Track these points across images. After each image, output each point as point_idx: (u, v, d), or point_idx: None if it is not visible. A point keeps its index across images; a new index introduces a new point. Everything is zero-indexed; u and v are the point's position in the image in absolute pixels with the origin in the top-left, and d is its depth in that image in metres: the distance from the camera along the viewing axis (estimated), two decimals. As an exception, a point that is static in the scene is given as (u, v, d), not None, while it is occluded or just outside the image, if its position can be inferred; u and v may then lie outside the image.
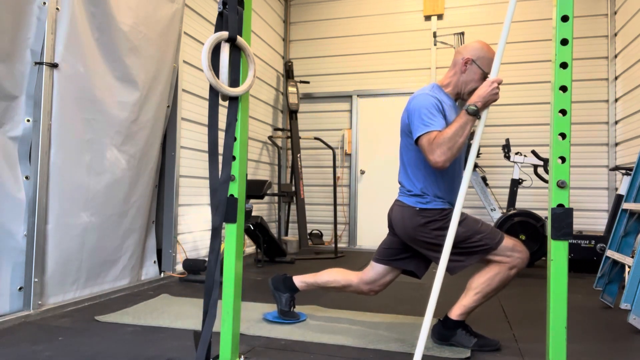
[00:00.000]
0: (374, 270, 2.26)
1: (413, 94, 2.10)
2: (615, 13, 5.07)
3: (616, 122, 5.03)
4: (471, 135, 2.13)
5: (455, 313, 2.07)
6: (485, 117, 1.74)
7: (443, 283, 1.63)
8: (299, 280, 2.44)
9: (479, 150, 4.71)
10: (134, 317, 2.48)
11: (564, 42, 1.42)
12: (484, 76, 2.07)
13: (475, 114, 1.85)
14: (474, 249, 2.00)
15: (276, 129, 5.93)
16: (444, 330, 2.09)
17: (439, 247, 1.96)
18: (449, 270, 2.01)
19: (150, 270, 3.49)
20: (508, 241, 2.00)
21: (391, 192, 5.74)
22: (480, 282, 2.01)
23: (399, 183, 2.18)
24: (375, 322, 2.48)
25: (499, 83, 1.87)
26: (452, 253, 1.95)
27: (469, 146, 2.22)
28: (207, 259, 2.55)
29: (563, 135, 1.41)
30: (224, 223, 1.61)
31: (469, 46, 2.11)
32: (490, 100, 1.86)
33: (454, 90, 2.12)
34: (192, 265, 3.58)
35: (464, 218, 2.03)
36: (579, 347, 2.14)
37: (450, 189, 2.08)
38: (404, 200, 2.11)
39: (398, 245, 2.20)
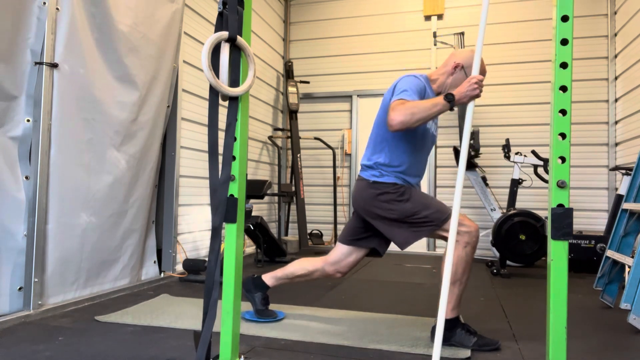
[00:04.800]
0: (339, 250, 2.35)
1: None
2: (615, 13, 5.07)
3: (616, 122, 5.03)
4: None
5: (446, 312, 2.08)
6: (472, 115, 1.73)
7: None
8: (268, 277, 2.50)
9: (478, 150, 4.73)
10: (134, 317, 2.48)
11: (564, 42, 1.42)
12: None
13: (450, 101, 1.91)
14: (421, 224, 2.09)
15: (276, 129, 5.93)
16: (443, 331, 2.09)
17: (387, 220, 2.13)
18: (399, 244, 2.14)
19: (150, 270, 3.49)
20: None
21: (391, 192, 5.73)
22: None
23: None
24: (375, 322, 2.48)
25: (479, 80, 1.89)
26: (401, 227, 2.11)
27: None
28: (207, 259, 2.55)
29: (563, 135, 1.41)
30: (224, 223, 1.61)
31: (463, 52, 2.20)
32: (467, 95, 1.89)
33: (439, 88, 2.22)
34: (192, 265, 3.58)
35: (411, 195, 2.12)
36: (579, 347, 2.14)
37: (410, 171, 2.17)
38: (362, 173, 2.23)
39: (361, 224, 2.30)
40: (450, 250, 1.60)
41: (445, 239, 2.08)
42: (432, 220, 2.07)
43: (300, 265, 2.43)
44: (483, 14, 1.68)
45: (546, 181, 4.01)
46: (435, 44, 5.60)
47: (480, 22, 1.67)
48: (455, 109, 2.14)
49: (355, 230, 2.31)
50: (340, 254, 2.34)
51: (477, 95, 1.89)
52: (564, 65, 1.42)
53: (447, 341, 2.09)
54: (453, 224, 1.62)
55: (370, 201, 2.15)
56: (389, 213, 2.11)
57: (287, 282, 2.49)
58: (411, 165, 2.17)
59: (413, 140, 2.15)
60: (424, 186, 5.56)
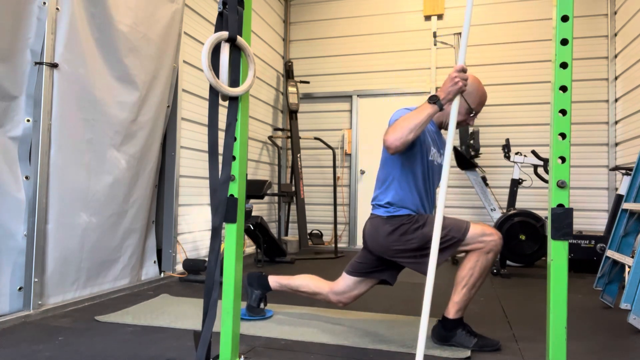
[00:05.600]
0: (345, 282, 2.30)
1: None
2: (615, 13, 5.07)
3: (616, 122, 5.03)
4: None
5: (451, 312, 2.08)
6: (456, 111, 1.67)
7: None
8: (273, 280, 2.50)
9: (478, 150, 4.72)
10: (134, 317, 2.48)
11: (564, 42, 1.42)
12: (470, 111, 2.11)
13: (435, 102, 1.85)
14: (442, 245, 2.02)
15: (276, 129, 5.93)
16: (444, 331, 2.09)
17: (410, 252, 2.06)
18: (424, 272, 2.03)
19: (150, 270, 3.49)
20: (475, 228, 2.03)
21: (391, 192, 5.73)
22: (464, 274, 2.04)
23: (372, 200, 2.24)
24: (375, 322, 2.48)
25: (461, 71, 1.79)
26: (423, 254, 2.03)
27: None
28: (207, 259, 2.56)
29: (563, 135, 1.41)
30: (224, 223, 1.61)
31: None
32: (451, 91, 1.79)
33: (438, 118, 2.18)
34: (192, 265, 3.58)
35: (426, 219, 2.07)
36: (579, 347, 2.14)
37: (420, 204, 2.13)
38: (374, 212, 2.18)
39: (371, 260, 2.23)
40: (434, 255, 1.56)
41: (468, 252, 2.05)
42: (452, 238, 2.02)
43: (307, 283, 2.41)
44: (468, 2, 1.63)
45: (546, 181, 4.01)
46: (435, 44, 5.60)
47: (465, 11, 1.64)
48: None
49: (365, 265, 2.25)
50: (346, 286, 2.29)
51: (462, 90, 1.79)
52: (564, 65, 1.42)
53: (447, 342, 2.09)
54: (437, 225, 1.58)
55: (387, 238, 2.09)
56: (409, 244, 2.05)
57: (289, 292, 2.49)
58: (421, 200, 2.14)
59: (420, 173, 2.11)
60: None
